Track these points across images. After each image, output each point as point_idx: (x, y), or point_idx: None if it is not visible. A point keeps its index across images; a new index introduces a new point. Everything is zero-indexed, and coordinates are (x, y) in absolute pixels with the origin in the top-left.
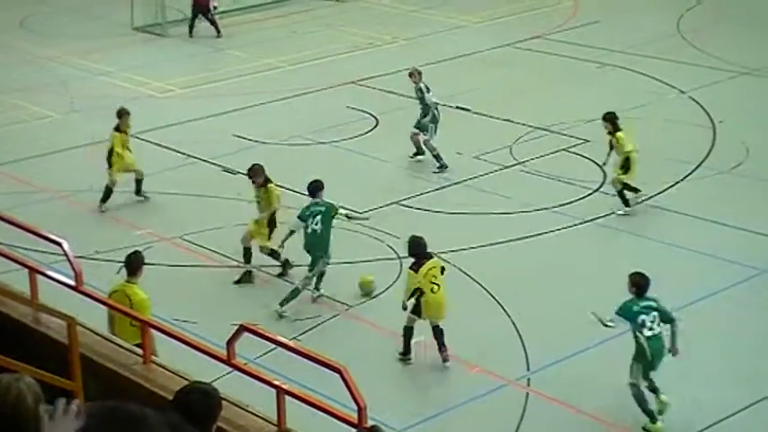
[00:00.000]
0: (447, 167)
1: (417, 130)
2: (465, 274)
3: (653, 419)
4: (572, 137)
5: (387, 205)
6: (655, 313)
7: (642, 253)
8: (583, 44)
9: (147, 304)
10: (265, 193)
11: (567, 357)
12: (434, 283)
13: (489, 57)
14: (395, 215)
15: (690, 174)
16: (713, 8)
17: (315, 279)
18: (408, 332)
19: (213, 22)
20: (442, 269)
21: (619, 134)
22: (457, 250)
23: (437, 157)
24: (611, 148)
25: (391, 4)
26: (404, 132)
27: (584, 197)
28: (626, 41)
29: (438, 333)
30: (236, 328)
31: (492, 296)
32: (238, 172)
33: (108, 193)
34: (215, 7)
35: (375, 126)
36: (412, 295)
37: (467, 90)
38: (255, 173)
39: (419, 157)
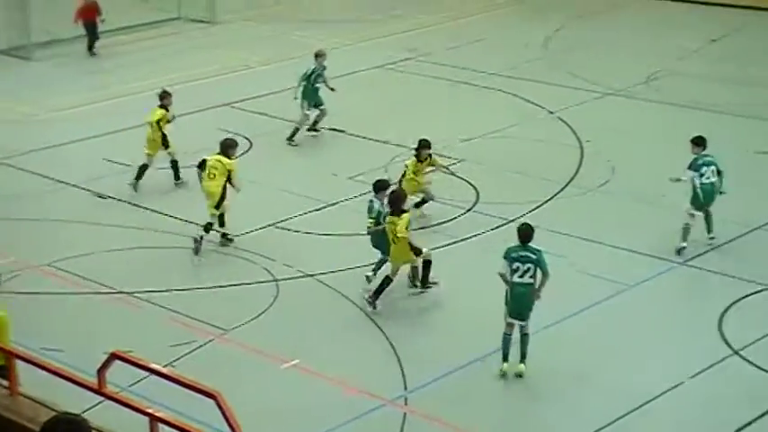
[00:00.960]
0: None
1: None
2: (341, 294)
3: (504, 359)
4: (447, 157)
5: (262, 228)
6: (530, 265)
7: None
8: (455, 66)
9: (5, 321)
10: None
11: (445, 375)
12: (395, 236)
13: (363, 78)
14: (270, 237)
15: (559, 192)
16: (578, 32)
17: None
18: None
19: (97, 38)
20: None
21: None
22: (335, 271)
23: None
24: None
25: (264, 26)
26: (278, 154)
27: (459, 216)
28: (496, 63)
29: (416, 269)
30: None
31: (368, 316)
32: (109, 197)
33: None
34: (102, 20)
35: (249, 148)
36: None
37: (341, 111)
38: (232, 146)
39: (314, 133)
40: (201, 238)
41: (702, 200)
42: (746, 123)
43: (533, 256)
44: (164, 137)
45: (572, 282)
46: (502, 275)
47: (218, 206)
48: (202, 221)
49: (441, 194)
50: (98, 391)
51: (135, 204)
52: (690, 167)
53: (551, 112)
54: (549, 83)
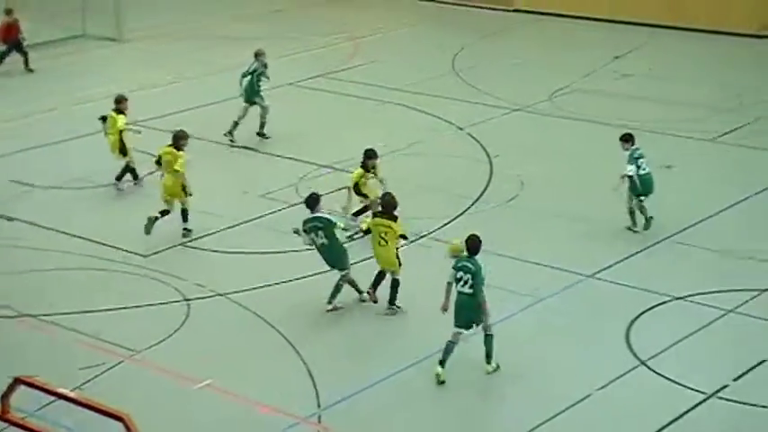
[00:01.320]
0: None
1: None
2: (254, 313)
3: (441, 364)
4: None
5: (172, 247)
6: (469, 276)
7: (428, 284)
8: (363, 83)
9: None
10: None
11: (358, 392)
12: (383, 238)
13: (272, 95)
14: (181, 256)
15: (469, 207)
16: (483, 49)
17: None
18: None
19: (26, 54)
20: (402, 236)
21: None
22: (247, 290)
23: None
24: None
25: (172, 44)
26: (188, 173)
27: (366, 232)
28: (404, 80)
29: (378, 277)
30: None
31: (281, 334)
32: (16, 218)
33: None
34: (24, 38)
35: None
36: (366, 233)
37: (252, 129)
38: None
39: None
40: (162, 214)
41: (642, 190)
42: (650, 138)
43: (472, 268)
44: (122, 144)
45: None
46: (448, 284)
47: (185, 193)
48: (110, 242)
49: (348, 211)
50: (2, 418)
51: (38, 225)
52: (629, 162)
53: (460, 128)
54: (457, 99)
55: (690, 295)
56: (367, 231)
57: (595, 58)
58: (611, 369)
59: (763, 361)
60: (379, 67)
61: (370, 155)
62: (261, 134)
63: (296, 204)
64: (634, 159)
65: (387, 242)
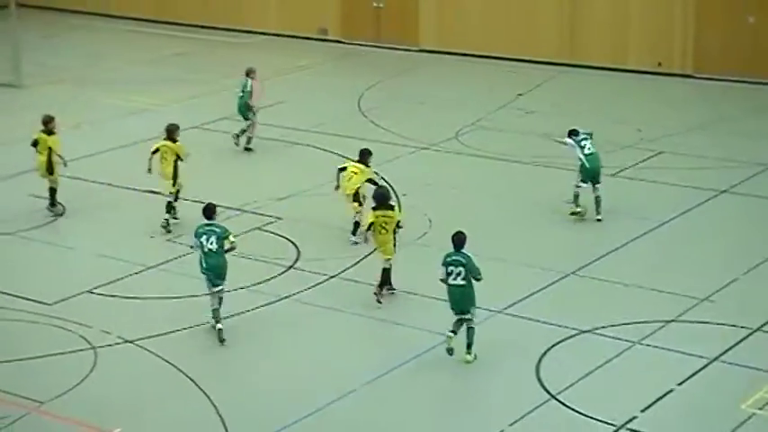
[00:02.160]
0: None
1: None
2: (162, 359)
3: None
4: (264, 215)
5: (77, 294)
6: (461, 268)
7: (342, 327)
8: (270, 124)
9: None
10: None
11: None
12: (383, 227)
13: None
14: (86, 303)
15: None
16: (388, 89)
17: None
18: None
19: None
20: (398, 223)
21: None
22: (155, 336)
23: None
24: None
25: (73, 89)
26: (92, 218)
27: (279, 274)
28: (311, 121)
29: (384, 273)
30: None
31: (190, 378)
32: None
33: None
34: None
35: (62, 213)
36: (368, 228)
37: (156, 172)
38: (175, 130)
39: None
40: (167, 221)
41: (590, 168)
42: (555, 174)
43: (463, 261)
44: (50, 163)
45: (386, 336)
46: (442, 280)
47: (174, 183)
48: (12, 291)
49: (260, 253)
50: None
51: None
52: (569, 137)
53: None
54: (364, 139)
55: (597, 328)
56: (370, 226)
57: (500, 96)
58: (522, 404)
59: (670, 391)
60: (286, 108)
61: (367, 152)
62: (246, 146)
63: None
64: (578, 141)
65: (387, 230)
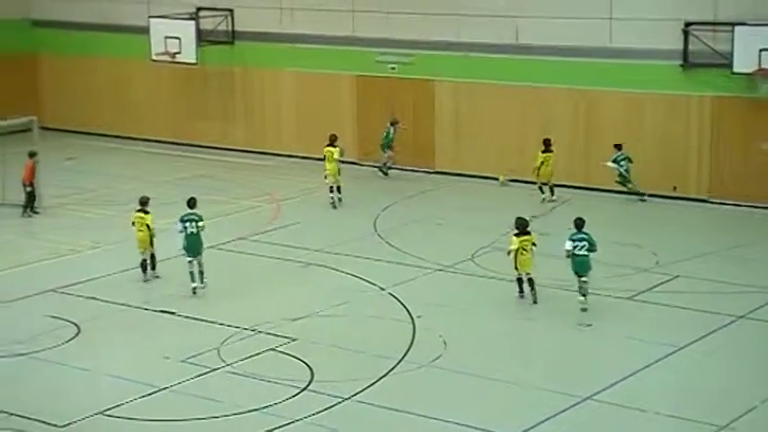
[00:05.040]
0: None
1: None
2: None
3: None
4: (279, 336)
5: (89, 416)
6: (585, 242)
7: None
8: (286, 245)
9: None
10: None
11: None
12: (525, 249)
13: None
14: (98, 426)
15: (393, 368)
16: (405, 209)
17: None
18: (519, 281)
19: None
20: (533, 243)
21: None
22: None
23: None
24: None
25: (91, 210)
26: (107, 339)
27: (293, 396)
28: (326, 241)
29: (531, 282)
30: None
31: None
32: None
33: None
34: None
35: (76, 334)
36: (510, 253)
37: (172, 293)
38: (146, 203)
39: None
40: (145, 267)
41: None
42: (567, 297)
43: (586, 237)
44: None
45: None
46: (567, 251)
47: (152, 244)
48: (22, 412)
49: (273, 374)
50: None
51: None
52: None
53: (382, 289)
54: (379, 260)
55: None
56: (516, 249)
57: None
58: None
59: None
60: (302, 229)
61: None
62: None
63: (218, 368)
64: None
65: (527, 251)
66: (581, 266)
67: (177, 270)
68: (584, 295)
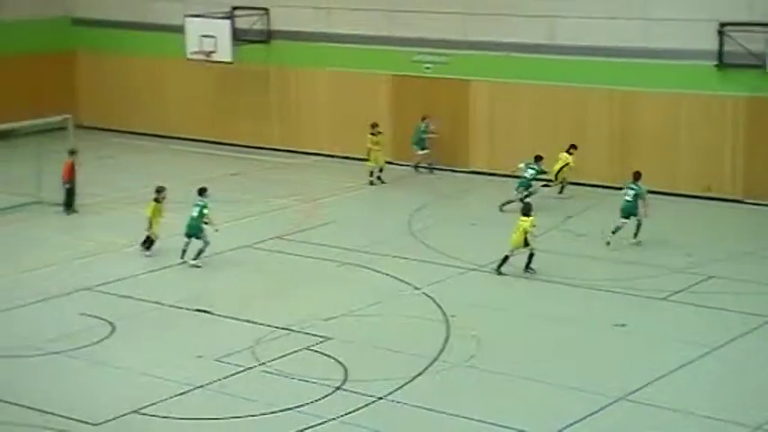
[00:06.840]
0: None
1: None
2: None
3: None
4: (313, 335)
5: (124, 414)
6: (633, 192)
7: None
8: (321, 244)
9: None
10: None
11: None
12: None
13: (229, 258)
14: (133, 424)
15: (428, 367)
16: (438, 210)
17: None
18: (505, 258)
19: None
20: (533, 225)
21: None
22: None
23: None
24: None
25: (127, 209)
26: (142, 337)
27: (327, 396)
28: (362, 241)
29: (528, 257)
30: None
31: None
32: None
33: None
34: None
35: (111, 332)
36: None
37: (207, 291)
38: (160, 191)
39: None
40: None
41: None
42: (602, 296)
43: (636, 188)
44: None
45: None
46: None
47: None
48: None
49: (307, 373)
50: None
51: None
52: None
53: (417, 288)
54: (414, 259)
55: None
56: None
57: (550, 219)
58: None
59: None
60: (337, 228)
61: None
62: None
63: (253, 367)
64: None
65: (517, 231)
66: (624, 209)
67: (212, 269)
68: (613, 232)
